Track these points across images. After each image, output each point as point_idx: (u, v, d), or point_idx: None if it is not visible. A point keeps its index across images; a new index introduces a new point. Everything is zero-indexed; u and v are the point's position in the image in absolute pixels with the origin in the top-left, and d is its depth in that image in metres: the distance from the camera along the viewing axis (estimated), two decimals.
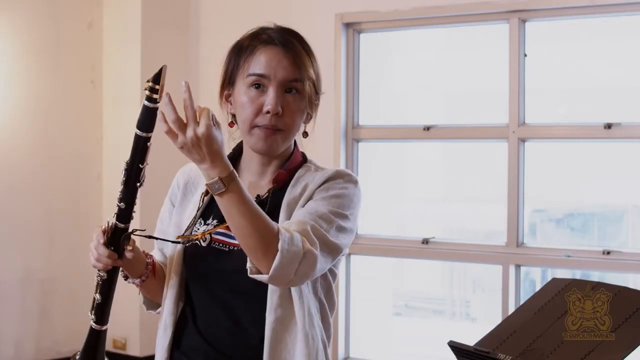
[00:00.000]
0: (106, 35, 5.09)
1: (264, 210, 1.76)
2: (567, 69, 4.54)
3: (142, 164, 1.74)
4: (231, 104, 1.91)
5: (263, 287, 1.82)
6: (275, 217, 1.82)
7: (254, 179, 1.93)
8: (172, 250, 1.95)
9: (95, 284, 1.84)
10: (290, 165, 1.92)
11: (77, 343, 4.87)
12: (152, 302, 2.01)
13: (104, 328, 1.88)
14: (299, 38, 1.90)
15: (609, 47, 4.44)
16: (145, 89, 1.67)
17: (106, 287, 1.84)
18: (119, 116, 5.00)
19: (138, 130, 1.71)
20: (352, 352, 4.68)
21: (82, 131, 5.05)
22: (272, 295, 1.82)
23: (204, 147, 1.63)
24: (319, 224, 1.78)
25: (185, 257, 1.91)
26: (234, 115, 1.92)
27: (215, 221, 1.89)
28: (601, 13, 4.10)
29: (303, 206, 1.84)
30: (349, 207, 1.86)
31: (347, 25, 4.63)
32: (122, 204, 1.77)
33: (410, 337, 5.43)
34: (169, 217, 2.01)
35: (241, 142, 1.96)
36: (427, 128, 4.46)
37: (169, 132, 1.64)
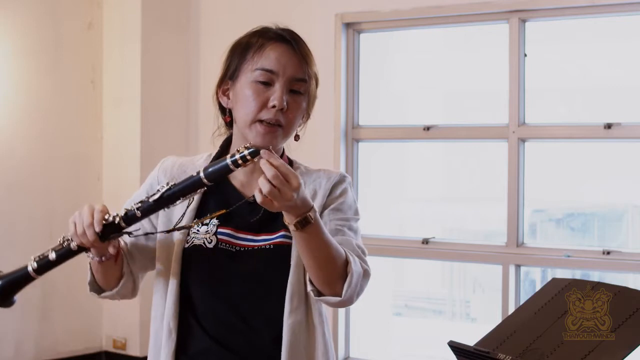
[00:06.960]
0: (106, 35, 5.08)
1: (263, 211, 1.82)
2: (567, 69, 4.54)
3: (183, 198, 1.74)
4: (229, 98, 1.91)
5: (273, 288, 1.84)
6: (279, 217, 1.80)
7: (245, 178, 1.92)
8: (164, 251, 1.90)
9: (59, 243, 1.84)
10: None
11: (78, 343, 4.87)
12: (97, 285, 1.94)
13: (37, 277, 1.89)
14: (301, 38, 1.91)
15: (609, 47, 4.44)
16: (239, 151, 1.65)
17: (67, 255, 1.84)
18: (119, 116, 4.98)
19: (204, 177, 1.70)
20: (352, 352, 4.67)
21: (82, 131, 5.04)
22: (291, 297, 1.83)
23: (298, 196, 1.66)
24: (359, 242, 1.90)
25: (185, 259, 1.87)
26: (229, 110, 1.92)
27: (216, 221, 1.87)
28: (601, 13, 4.10)
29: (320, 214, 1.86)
30: (357, 210, 1.97)
31: (347, 25, 4.63)
32: (139, 212, 1.75)
33: (410, 337, 5.43)
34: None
35: (228, 139, 1.95)
36: (427, 128, 4.46)
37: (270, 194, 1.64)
